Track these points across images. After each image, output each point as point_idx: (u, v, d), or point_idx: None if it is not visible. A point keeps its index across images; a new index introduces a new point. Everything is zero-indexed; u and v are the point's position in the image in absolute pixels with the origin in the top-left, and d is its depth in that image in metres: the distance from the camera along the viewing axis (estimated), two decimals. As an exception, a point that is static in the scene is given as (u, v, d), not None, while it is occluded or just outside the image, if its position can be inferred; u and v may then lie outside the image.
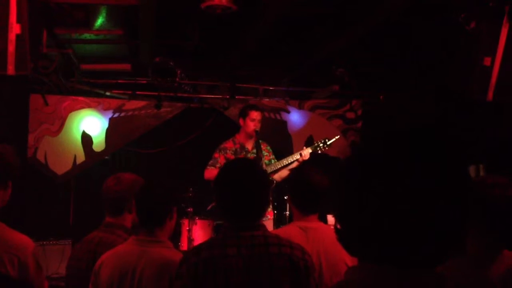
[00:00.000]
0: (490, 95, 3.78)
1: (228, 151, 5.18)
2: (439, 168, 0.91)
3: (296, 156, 5.02)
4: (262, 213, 2.26)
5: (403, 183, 0.90)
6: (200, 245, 2.24)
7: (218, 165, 5.11)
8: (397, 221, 0.90)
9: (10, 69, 3.38)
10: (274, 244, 2.14)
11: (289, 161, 5.04)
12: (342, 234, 0.99)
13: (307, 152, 5.00)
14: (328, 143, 5.19)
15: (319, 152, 5.24)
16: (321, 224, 2.81)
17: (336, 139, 5.30)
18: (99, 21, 5.12)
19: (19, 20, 3.40)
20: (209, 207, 5.89)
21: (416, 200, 0.89)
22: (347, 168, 0.99)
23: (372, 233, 0.92)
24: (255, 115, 5.11)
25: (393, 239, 0.91)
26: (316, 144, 5.20)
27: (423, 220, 0.89)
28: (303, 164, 4.90)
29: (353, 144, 7.00)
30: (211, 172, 5.10)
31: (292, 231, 2.66)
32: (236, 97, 6.77)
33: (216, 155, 5.18)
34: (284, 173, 5.05)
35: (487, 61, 3.80)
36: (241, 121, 5.19)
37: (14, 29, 3.39)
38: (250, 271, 2.06)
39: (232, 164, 2.45)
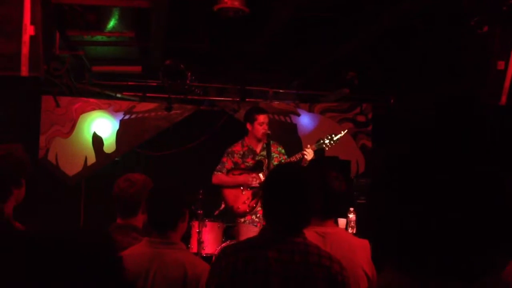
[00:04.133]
0: (503, 99, 3.75)
1: (235, 154, 5.13)
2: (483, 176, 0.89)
3: (299, 155, 4.91)
4: (307, 219, 2.22)
5: (446, 192, 0.88)
6: (239, 243, 2.24)
7: (225, 170, 5.08)
8: (442, 231, 0.88)
9: (24, 71, 3.39)
10: (313, 253, 2.10)
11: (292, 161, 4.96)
12: (382, 244, 0.97)
13: (310, 150, 4.88)
14: (335, 138, 5.04)
15: (326, 148, 5.13)
16: (338, 229, 2.77)
17: (343, 134, 5.13)
18: (111, 23, 5.14)
19: (32, 22, 3.41)
20: (216, 212, 5.88)
21: (459, 209, 0.87)
22: (386, 177, 0.97)
23: (414, 243, 0.90)
24: (263, 118, 5.02)
25: (438, 249, 0.89)
26: (321, 141, 5.06)
27: (466, 231, 0.88)
28: (315, 164, 4.82)
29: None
30: (218, 178, 5.08)
31: (309, 236, 2.63)
32: (246, 100, 6.76)
33: (224, 159, 5.15)
34: None
35: (500, 65, 3.77)
36: (248, 126, 5.10)
37: (28, 30, 3.41)
38: (288, 278, 2.03)
39: (281, 170, 2.43)
